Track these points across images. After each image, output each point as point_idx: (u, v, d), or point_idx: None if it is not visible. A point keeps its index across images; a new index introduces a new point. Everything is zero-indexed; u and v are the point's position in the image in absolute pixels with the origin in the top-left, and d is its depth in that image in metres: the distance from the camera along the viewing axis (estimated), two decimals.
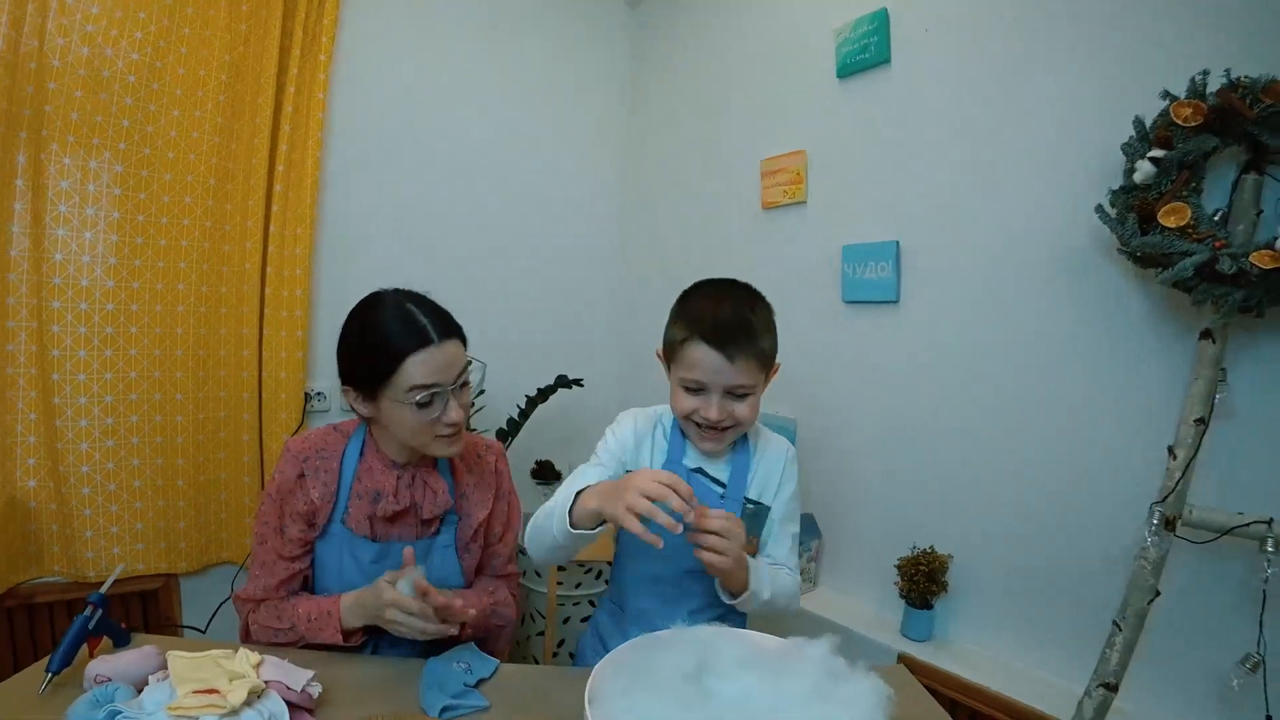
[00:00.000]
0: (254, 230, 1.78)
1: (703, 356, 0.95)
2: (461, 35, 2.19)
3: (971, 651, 1.42)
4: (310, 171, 1.85)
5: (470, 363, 1.03)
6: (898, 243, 1.59)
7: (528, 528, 1.00)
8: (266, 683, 0.82)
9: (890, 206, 1.63)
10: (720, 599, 1.00)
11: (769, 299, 1.92)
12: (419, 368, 0.95)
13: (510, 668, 1.00)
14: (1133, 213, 1.14)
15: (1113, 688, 1.10)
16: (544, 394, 2.11)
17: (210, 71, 1.70)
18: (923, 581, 1.39)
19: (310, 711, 0.85)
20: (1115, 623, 1.12)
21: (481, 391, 1.99)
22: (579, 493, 0.90)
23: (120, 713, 0.74)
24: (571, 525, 0.88)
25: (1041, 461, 1.34)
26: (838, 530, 1.76)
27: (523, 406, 2.11)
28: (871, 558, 1.63)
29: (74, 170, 1.56)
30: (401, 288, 1.03)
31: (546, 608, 1.50)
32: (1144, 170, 1.13)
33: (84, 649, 0.93)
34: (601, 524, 0.87)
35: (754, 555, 1.04)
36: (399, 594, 0.91)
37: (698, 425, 0.99)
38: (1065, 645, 1.30)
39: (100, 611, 0.96)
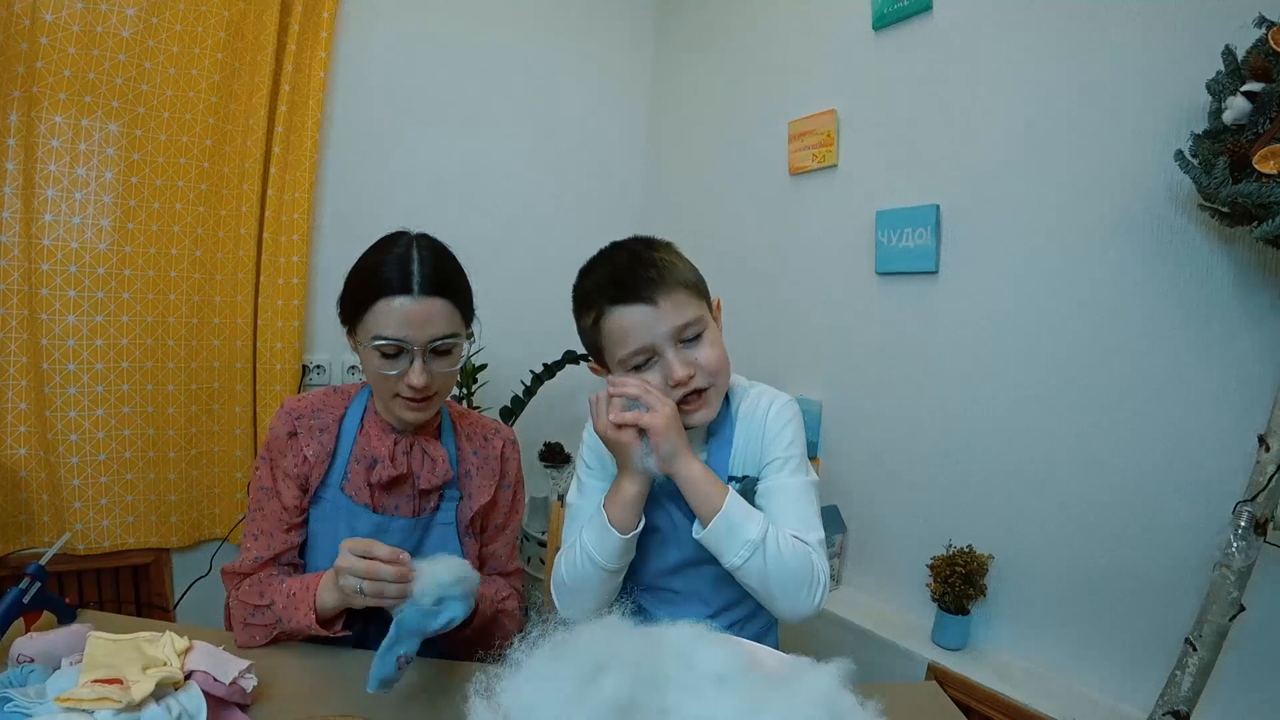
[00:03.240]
0: (250, 195, 1.71)
1: (624, 319, 0.81)
2: None
3: (1011, 664, 1.26)
4: (310, 134, 1.78)
5: (455, 335, 0.93)
6: (938, 207, 1.42)
7: (556, 594, 0.90)
8: (190, 673, 0.72)
9: (930, 167, 1.46)
10: (722, 591, 0.89)
11: (796, 271, 1.82)
12: (387, 315, 0.87)
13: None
14: (1222, 157, 0.96)
15: (1183, 717, 0.94)
16: (551, 370, 2.01)
17: (208, 29, 1.64)
18: (958, 584, 1.24)
19: (243, 707, 0.75)
20: (1189, 641, 0.94)
21: (482, 366, 1.94)
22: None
23: (10, 700, 0.65)
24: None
25: (1102, 452, 1.17)
26: (865, 524, 1.61)
27: (528, 383, 2.01)
28: (902, 556, 1.48)
29: (65, 129, 1.51)
30: (427, 234, 0.96)
31: (544, 597, 1.39)
32: (1236, 108, 0.96)
33: (21, 623, 0.86)
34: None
35: None
36: (348, 558, 0.77)
37: (674, 400, 0.83)
38: (1124, 664, 1.13)
39: (38, 585, 0.88)
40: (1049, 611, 1.23)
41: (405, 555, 0.76)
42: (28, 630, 0.86)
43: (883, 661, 1.36)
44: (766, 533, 0.77)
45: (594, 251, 0.91)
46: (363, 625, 0.90)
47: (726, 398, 0.91)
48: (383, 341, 0.87)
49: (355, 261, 0.95)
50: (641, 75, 2.45)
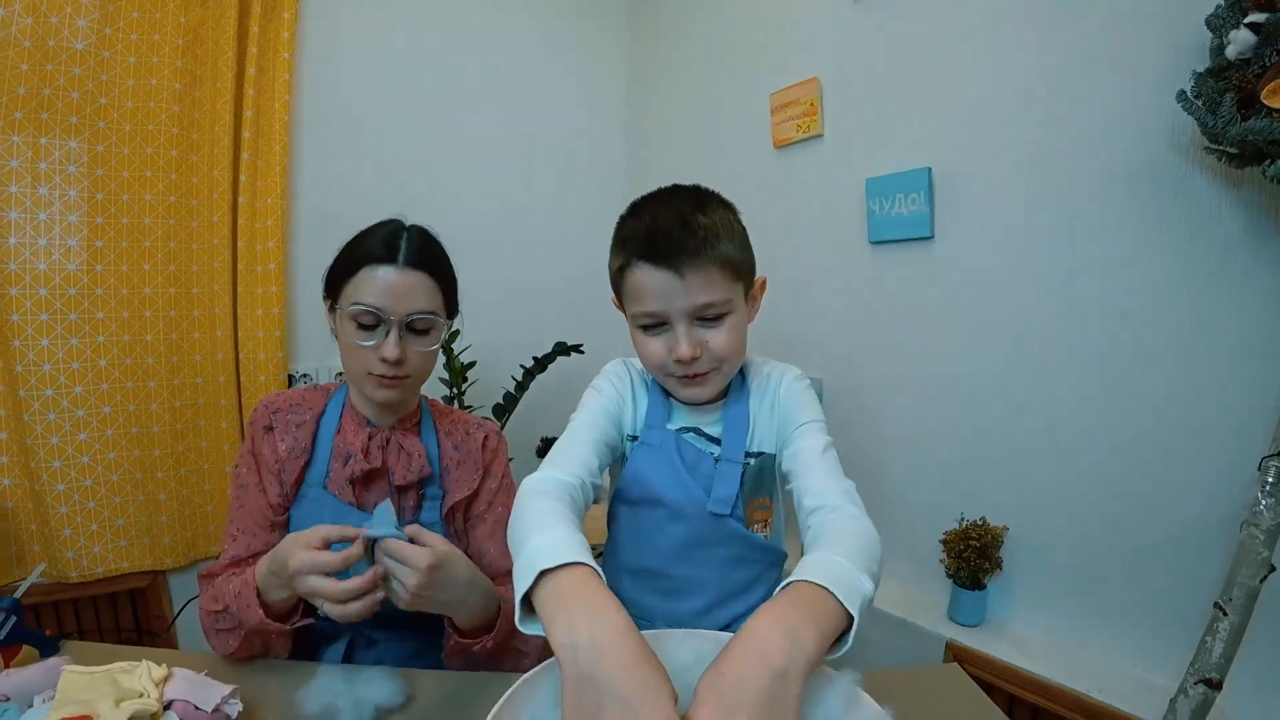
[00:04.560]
0: (221, 203, 1.66)
1: (647, 279, 0.75)
2: None
3: (1031, 638, 1.22)
4: (279, 137, 1.72)
5: (434, 313, 0.90)
6: (930, 170, 1.37)
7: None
8: (170, 703, 0.69)
9: (919, 130, 1.41)
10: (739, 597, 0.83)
11: (788, 246, 1.77)
12: (370, 283, 0.87)
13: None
14: (1229, 94, 0.91)
15: (1215, 684, 0.90)
16: (541, 364, 1.97)
17: (165, 36, 1.58)
18: (973, 558, 1.20)
19: None
20: (1218, 605, 0.90)
21: (471, 364, 1.89)
22: None
23: None
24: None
25: (1115, 414, 1.12)
26: (875, 502, 1.53)
27: (519, 379, 1.97)
28: (914, 532, 1.44)
29: (24, 148, 1.46)
30: (421, 225, 0.96)
31: None
32: (1240, 41, 0.91)
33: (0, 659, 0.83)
34: None
35: (768, 521, 0.85)
36: (313, 556, 0.72)
37: (673, 374, 0.79)
38: (1150, 632, 1.09)
39: (14, 619, 0.84)
40: (1068, 582, 1.19)
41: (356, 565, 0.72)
42: (6, 666, 0.83)
43: (899, 642, 1.33)
44: (870, 580, 0.59)
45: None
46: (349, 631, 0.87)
47: (743, 374, 0.87)
48: (361, 308, 0.85)
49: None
50: (617, 55, 2.39)
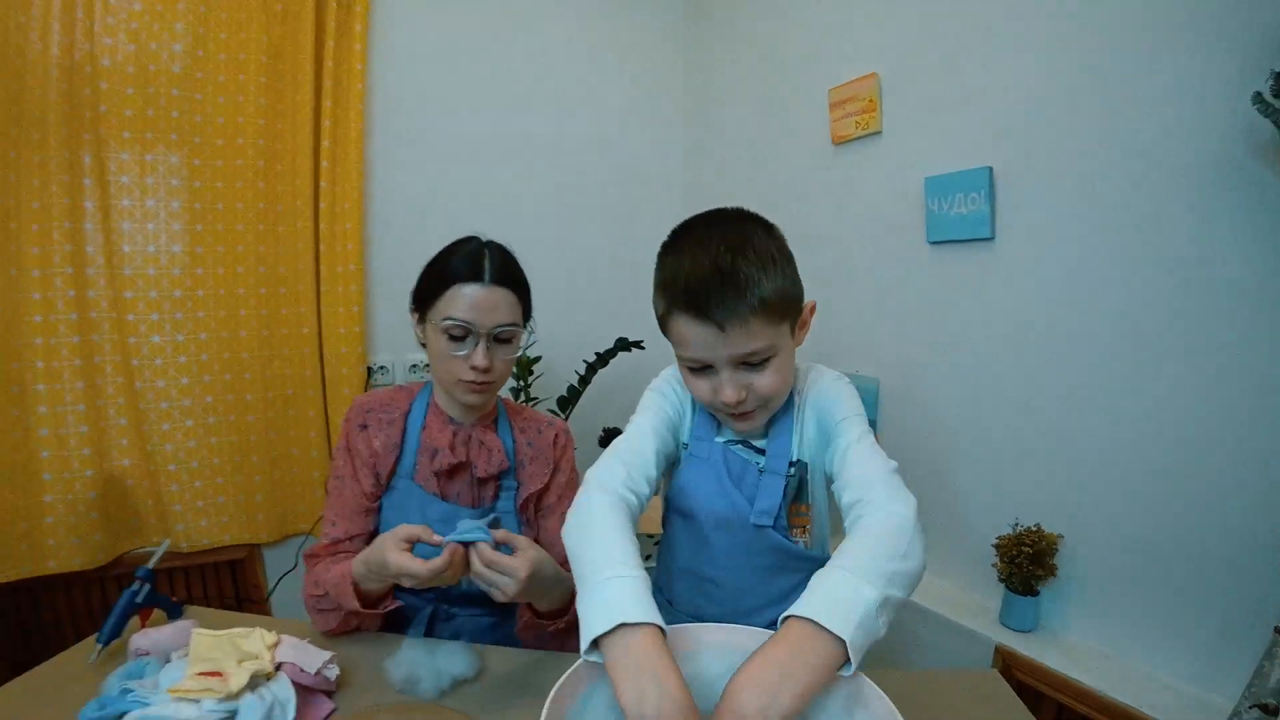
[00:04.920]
0: (304, 209, 1.80)
1: (689, 332, 0.75)
2: None
3: (1084, 648, 1.21)
4: (354, 145, 1.84)
5: (517, 324, 1.01)
6: (990, 169, 1.35)
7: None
8: (279, 665, 0.79)
9: (980, 127, 1.39)
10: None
11: (845, 244, 1.77)
12: (459, 300, 0.96)
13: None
14: None
15: (1272, 710, 0.88)
16: (604, 358, 2.04)
17: (250, 54, 1.71)
18: (1025, 564, 1.19)
19: (329, 694, 0.82)
20: (1279, 630, 0.88)
21: (537, 359, 1.98)
22: None
23: (131, 691, 0.73)
24: None
25: (1177, 423, 1.09)
26: (929, 504, 1.54)
27: (582, 373, 2.04)
28: (967, 535, 1.44)
29: (132, 165, 1.63)
30: (495, 240, 1.04)
31: None
32: None
33: (136, 620, 0.96)
34: None
35: (806, 527, 0.87)
36: (405, 560, 0.81)
37: (721, 411, 0.81)
38: (1207, 650, 1.06)
39: (147, 586, 0.97)
40: (1125, 593, 1.17)
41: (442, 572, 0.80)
42: (143, 626, 0.96)
43: (949, 644, 1.34)
44: (879, 583, 0.61)
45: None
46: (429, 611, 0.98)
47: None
48: (452, 323, 0.95)
49: (429, 260, 1.02)
50: (677, 55, 2.41)
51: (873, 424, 1.63)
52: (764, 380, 0.77)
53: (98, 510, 1.64)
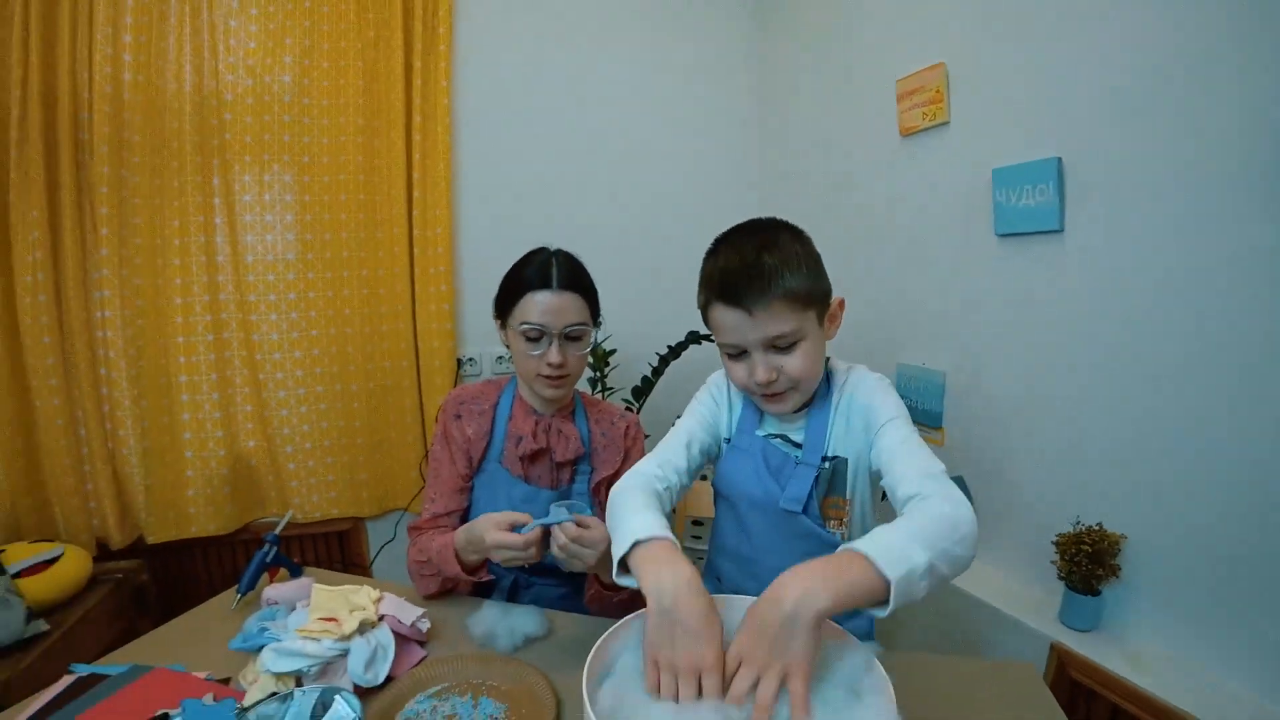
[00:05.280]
0: (399, 218, 1.98)
1: (723, 317, 0.86)
2: None
3: (1146, 651, 1.18)
4: (442, 156, 2.00)
5: (585, 323, 1.11)
6: (1059, 159, 1.32)
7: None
8: (382, 616, 0.93)
9: (1048, 117, 1.35)
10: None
11: (913, 236, 1.77)
12: (533, 305, 1.08)
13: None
14: None
15: None
16: (676, 351, 2.11)
17: (348, 80, 1.90)
18: (1085, 563, 1.18)
19: (421, 643, 0.96)
20: None
21: (612, 351, 2.08)
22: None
23: (267, 629, 0.89)
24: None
25: (1251, 420, 1.04)
26: (993, 497, 1.55)
27: (655, 365, 2.13)
28: (1031, 531, 1.42)
29: (253, 184, 1.86)
30: (562, 248, 1.15)
31: None
32: None
33: (266, 577, 1.14)
34: None
35: (842, 520, 0.93)
36: (503, 536, 0.92)
37: (756, 394, 0.90)
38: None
39: (274, 549, 1.16)
40: (1193, 597, 1.13)
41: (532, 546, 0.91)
42: (271, 582, 1.14)
43: (1004, 639, 1.34)
44: (927, 542, 0.66)
45: (712, 232, 0.94)
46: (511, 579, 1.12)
47: (828, 379, 0.95)
48: (528, 326, 1.08)
49: (506, 272, 1.14)
50: (748, 53, 2.43)
51: (938, 416, 1.66)
52: (793, 362, 0.85)
53: (229, 485, 1.90)
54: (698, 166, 2.40)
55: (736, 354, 0.89)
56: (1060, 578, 1.26)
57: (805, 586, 0.60)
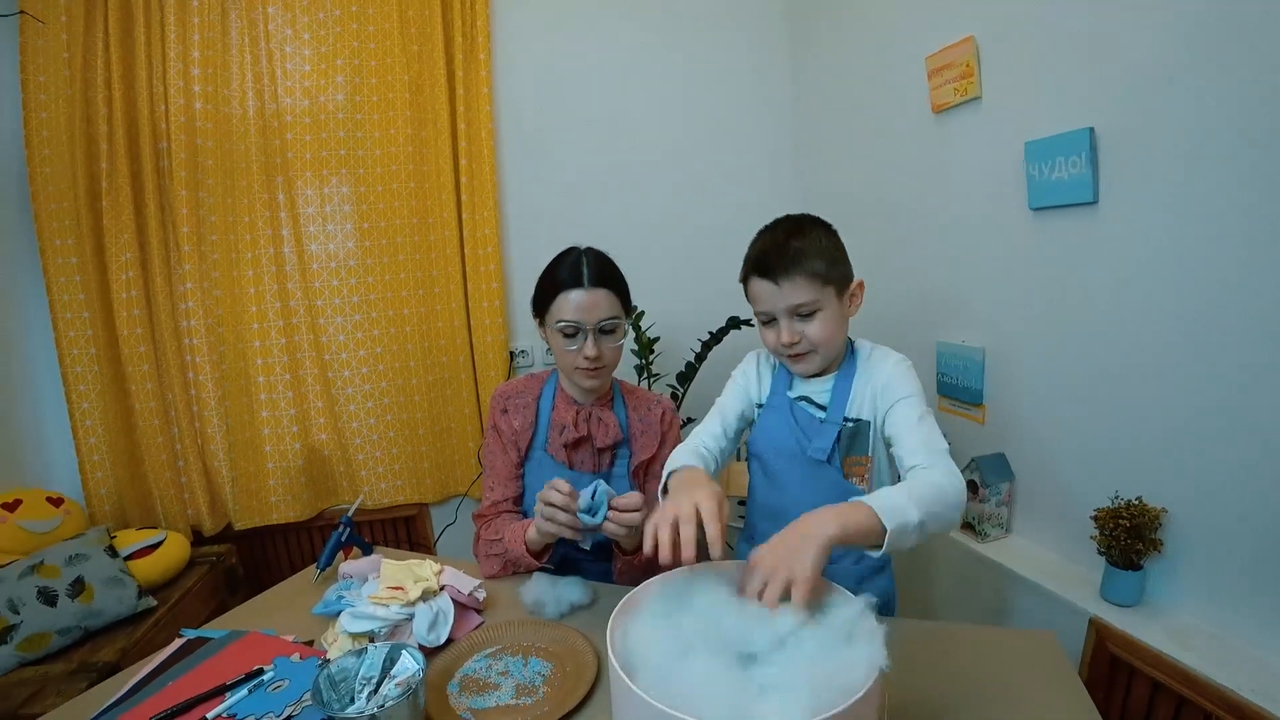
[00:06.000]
0: (449, 221, 2.10)
1: (758, 288, 1.03)
2: None
3: (1190, 627, 1.16)
4: (487, 161, 2.10)
5: (617, 316, 1.18)
6: (1091, 130, 1.30)
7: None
8: (442, 586, 1.03)
9: (1081, 87, 1.33)
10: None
11: (947, 212, 1.76)
12: (567, 304, 1.15)
13: None
14: None
15: None
16: (717, 336, 2.15)
17: (396, 94, 2.02)
18: (1123, 537, 1.17)
19: (479, 611, 1.06)
20: None
21: (656, 339, 2.15)
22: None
23: (344, 597, 1.00)
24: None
25: None
26: (1034, 472, 1.55)
27: (698, 350, 2.17)
28: (1072, 505, 1.41)
29: (314, 197, 2.01)
30: (593, 246, 1.23)
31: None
32: None
33: (341, 554, 1.27)
34: None
35: (864, 476, 1.04)
36: (551, 493, 1.01)
37: (783, 355, 1.05)
38: None
39: (348, 529, 1.28)
40: (1239, 572, 1.11)
41: (570, 494, 1.01)
42: (346, 558, 1.26)
43: (1042, 612, 1.34)
44: (919, 500, 0.78)
45: (750, 220, 1.12)
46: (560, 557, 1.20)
47: (853, 351, 1.09)
48: (564, 323, 1.15)
49: (541, 274, 1.22)
50: (778, 36, 2.42)
51: (979, 394, 1.66)
52: (812, 328, 1.01)
53: (304, 475, 2.07)
54: (735, 156, 2.42)
55: (767, 320, 1.05)
56: (1100, 552, 1.25)
57: (821, 518, 0.73)
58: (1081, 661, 1.24)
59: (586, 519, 0.99)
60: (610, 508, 0.99)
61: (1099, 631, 1.19)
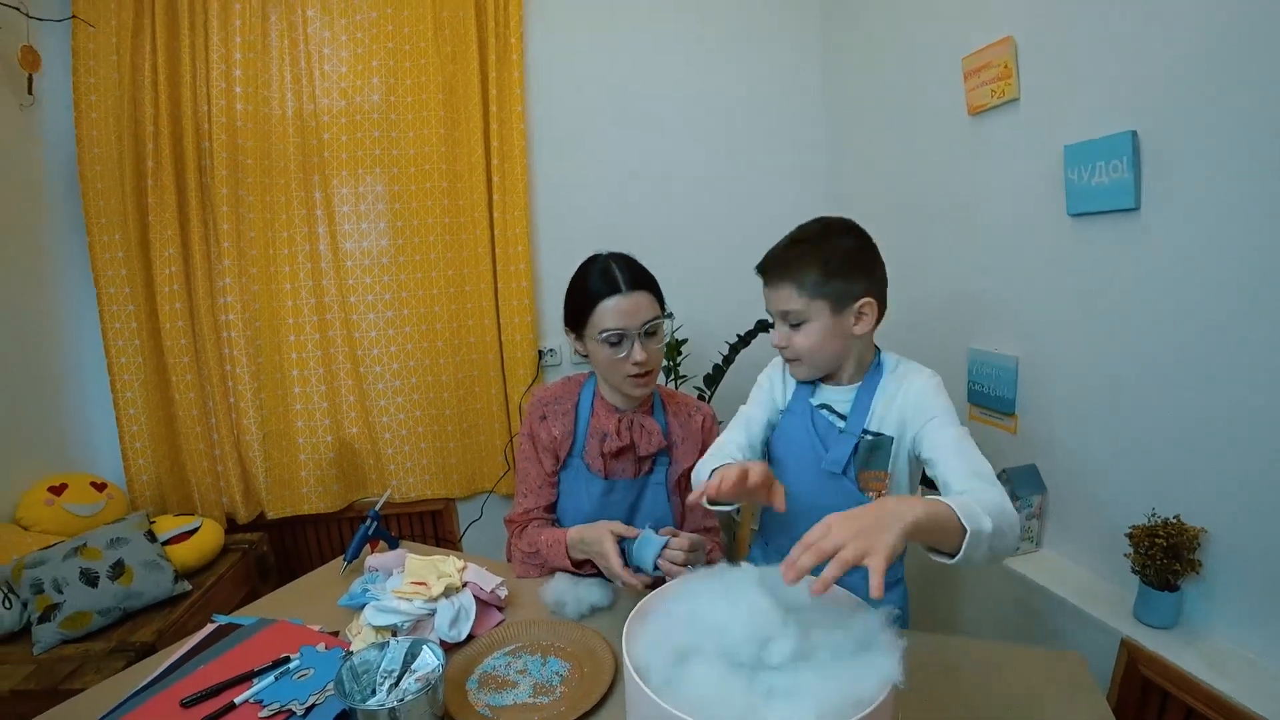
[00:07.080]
0: (481, 220, 2.13)
1: (764, 290, 1.04)
2: None
3: (1228, 652, 1.11)
4: (519, 161, 2.12)
5: (659, 316, 1.16)
6: (1134, 133, 1.26)
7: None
8: (466, 583, 1.05)
9: (1123, 89, 1.29)
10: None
11: (983, 217, 1.72)
12: (608, 312, 1.12)
13: None
14: None
15: None
16: (745, 339, 2.13)
17: (429, 94, 2.05)
18: (1159, 557, 1.13)
19: (500, 608, 1.07)
20: None
21: (684, 341, 2.14)
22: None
23: (369, 591, 1.03)
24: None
25: None
26: (1067, 486, 1.50)
27: (725, 353, 2.16)
28: (1106, 522, 1.37)
29: (350, 196, 2.05)
30: (614, 251, 1.20)
31: (735, 548, 1.57)
32: None
33: (368, 547, 1.29)
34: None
35: (881, 492, 1.00)
36: (620, 570, 1.01)
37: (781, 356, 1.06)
38: None
39: (375, 523, 1.31)
40: None
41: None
42: (373, 552, 1.29)
43: (1073, 631, 1.30)
44: (990, 511, 0.74)
45: (780, 222, 1.11)
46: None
47: (879, 363, 1.05)
48: (608, 332, 1.12)
49: (569, 287, 1.20)
50: (813, 36, 2.39)
51: (1011, 403, 1.63)
52: (798, 337, 1.00)
53: (335, 468, 2.12)
54: (766, 157, 2.40)
55: (774, 319, 1.05)
56: (1134, 571, 1.21)
57: (906, 501, 0.68)
58: (1111, 684, 1.20)
59: (644, 571, 0.99)
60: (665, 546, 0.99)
61: (1131, 653, 1.15)
